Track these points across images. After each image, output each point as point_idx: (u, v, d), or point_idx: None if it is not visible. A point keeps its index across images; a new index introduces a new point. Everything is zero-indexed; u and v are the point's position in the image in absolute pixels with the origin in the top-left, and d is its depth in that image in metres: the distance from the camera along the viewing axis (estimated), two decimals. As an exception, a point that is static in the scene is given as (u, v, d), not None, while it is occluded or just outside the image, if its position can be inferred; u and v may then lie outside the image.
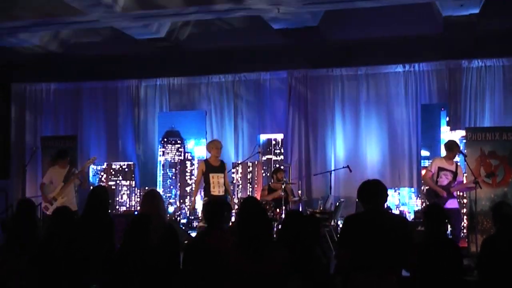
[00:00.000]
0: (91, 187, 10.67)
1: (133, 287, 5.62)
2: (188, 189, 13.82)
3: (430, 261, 5.92)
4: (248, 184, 13.50)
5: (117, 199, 13.94)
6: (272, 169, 12.98)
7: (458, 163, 10.57)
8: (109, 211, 7.49)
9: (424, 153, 12.28)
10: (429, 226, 6.29)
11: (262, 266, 4.90)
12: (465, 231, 11.32)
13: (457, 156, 10.44)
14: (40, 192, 11.31)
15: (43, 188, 11.06)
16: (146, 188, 13.30)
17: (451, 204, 10.00)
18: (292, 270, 5.07)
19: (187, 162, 13.91)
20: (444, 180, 10.12)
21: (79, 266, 5.87)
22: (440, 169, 10.17)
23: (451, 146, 10.25)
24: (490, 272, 6.04)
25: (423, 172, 11.24)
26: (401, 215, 11.24)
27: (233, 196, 12.19)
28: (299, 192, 12.34)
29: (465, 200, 11.40)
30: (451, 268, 6.05)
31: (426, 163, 11.91)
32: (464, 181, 10.52)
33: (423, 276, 5.88)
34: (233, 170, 13.41)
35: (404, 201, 12.33)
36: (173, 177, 14.00)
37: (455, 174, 10.13)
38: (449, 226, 9.88)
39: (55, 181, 11.04)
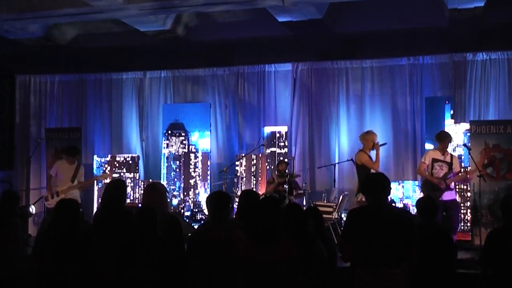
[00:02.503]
0: (110, 180, 10.85)
1: (138, 279, 5.64)
2: (192, 181, 13.83)
3: (424, 253, 5.97)
4: (252, 177, 13.50)
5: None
6: (276, 161, 13.00)
7: (454, 154, 10.57)
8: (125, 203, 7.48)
9: (428, 146, 12.24)
10: (421, 219, 6.40)
11: (274, 256, 4.90)
12: (468, 224, 11.35)
13: (449, 146, 10.45)
14: (44, 183, 11.42)
15: (50, 179, 11.16)
16: (150, 180, 13.31)
17: (449, 196, 10.05)
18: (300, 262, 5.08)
19: (191, 154, 13.92)
20: (439, 171, 10.14)
21: (84, 259, 5.89)
22: (434, 160, 10.19)
23: (442, 137, 10.27)
24: (496, 267, 6.03)
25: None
26: (405, 209, 11.24)
27: None
28: (303, 184, 12.36)
29: (469, 194, 11.41)
30: (444, 259, 6.12)
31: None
32: (461, 173, 10.55)
33: (418, 268, 5.92)
34: (237, 163, 13.43)
35: (408, 194, 12.31)
36: (177, 170, 14.01)
37: (450, 165, 10.14)
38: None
39: (60, 175, 11.12)
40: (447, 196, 9.97)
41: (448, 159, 10.18)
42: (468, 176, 10.61)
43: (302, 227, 5.69)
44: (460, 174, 10.54)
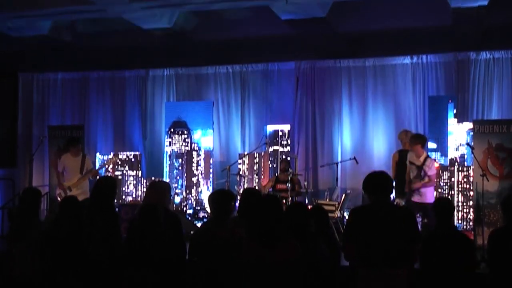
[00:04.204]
0: (98, 177, 10.74)
1: (139, 277, 5.64)
2: (194, 179, 13.83)
3: (441, 254, 5.95)
4: (255, 175, 13.49)
5: (124, 189, 13.94)
6: (279, 160, 13.01)
7: (429, 157, 10.31)
8: (114, 201, 7.42)
9: (431, 145, 12.22)
10: (437, 220, 6.33)
11: (275, 257, 4.89)
12: (471, 223, 11.34)
13: (424, 149, 10.25)
14: (47, 181, 11.35)
15: (59, 176, 11.07)
16: (153, 178, 13.31)
17: (418, 199, 9.88)
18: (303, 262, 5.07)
19: (193, 152, 13.92)
20: (411, 174, 10.07)
21: (85, 257, 5.89)
22: (410, 163, 10.13)
23: (413, 141, 10.09)
24: (501, 266, 6.01)
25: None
26: (407, 207, 11.20)
27: None
28: (305, 183, 12.35)
29: (471, 193, 11.39)
30: (464, 261, 6.06)
31: (433, 155, 11.85)
32: (427, 179, 10.02)
33: (433, 269, 5.89)
34: (240, 161, 13.43)
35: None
36: (180, 168, 14.00)
37: (420, 168, 9.95)
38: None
39: (67, 169, 11.00)
40: (416, 198, 9.90)
41: (420, 162, 10.02)
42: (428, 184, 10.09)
43: (303, 228, 5.64)
44: (423, 180, 10.01)
